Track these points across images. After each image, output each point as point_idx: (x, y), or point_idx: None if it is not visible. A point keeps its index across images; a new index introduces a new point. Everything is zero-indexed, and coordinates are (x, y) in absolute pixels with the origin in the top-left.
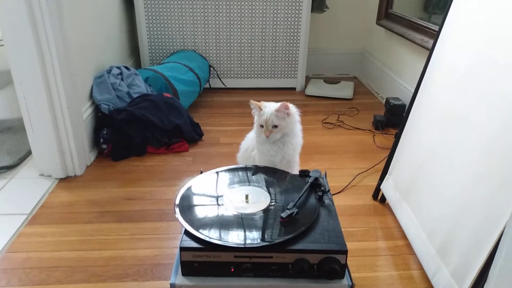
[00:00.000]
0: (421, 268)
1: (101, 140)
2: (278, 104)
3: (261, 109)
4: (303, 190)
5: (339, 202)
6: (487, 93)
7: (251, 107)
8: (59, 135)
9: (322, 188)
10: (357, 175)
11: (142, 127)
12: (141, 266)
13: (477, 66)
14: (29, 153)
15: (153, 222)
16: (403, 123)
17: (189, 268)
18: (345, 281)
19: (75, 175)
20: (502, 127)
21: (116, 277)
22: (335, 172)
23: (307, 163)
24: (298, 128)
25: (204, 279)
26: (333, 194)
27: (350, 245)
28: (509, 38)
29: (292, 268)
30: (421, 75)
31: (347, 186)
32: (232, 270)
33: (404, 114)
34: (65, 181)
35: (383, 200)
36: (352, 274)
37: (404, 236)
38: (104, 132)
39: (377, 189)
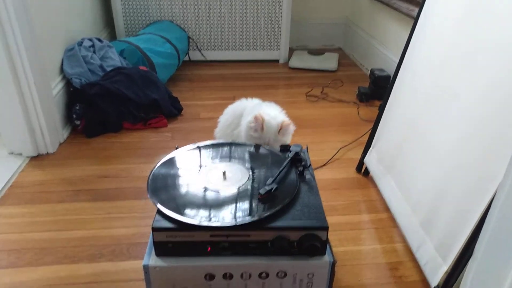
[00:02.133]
0: (404, 241)
1: (74, 116)
2: (278, 120)
3: (263, 129)
4: (283, 165)
5: (322, 176)
6: (472, 64)
7: (252, 123)
8: (27, 112)
9: (303, 163)
10: (340, 148)
11: (116, 101)
12: (116, 246)
13: (461, 37)
14: None
15: (130, 200)
16: (387, 95)
17: (163, 248)
18: (327, 257)
19: (47, 153)
20: (486, 99)
21: (90, 258)
22: (319, 145)
23: None
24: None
25: (179, 260)
26: (316, 168)
27: (332, 219)
28: (492, 10)
29: (271, 246)
30: (405, 45)
31: (330, 159)
32: (209, 249)
33: (389, 86)
34: (37, 159)
35: (366, 173)
36: (335, 248)
37: (387, 209)
38: (77, 107)
39: (361, 162)
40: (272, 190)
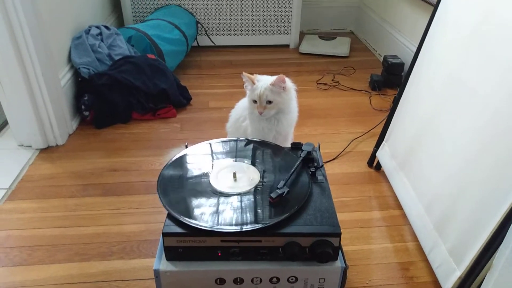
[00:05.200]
0: (416, 239)
1: (83, 107)
2: (274, 77)
3: (254, 83)
4: (295, 167)
5: (333, 170)
6: (495, 57)
7: (243, 80)
8: (35, 103)
9: (315, 164)
10: (352, 140)
11: (125, 92)
12: (127, 243)
13: (485, 25)
14: (6, 122)
15: (139, 195)
16: (403, 86)
17: (173, 253)
18: (338, 263)
19: (57, 144)
20: (510, 96)
21: (101, 255)
22: (330, 137)
23: (300, 128)
24: (294, 104)
25: (189, 264)
26: (327, 162)
27: (343, 216)
28: None
29: (283, 252)
30: (424, 32)
31: (341, 152)
32: (219, 254)
33: (402, 74)
34: (46, 151)
35: (378, 167)
36: (345, 248)
37: (399, 206)
38: (85, 98)
39: (373, 156)
40: (284, 194)
